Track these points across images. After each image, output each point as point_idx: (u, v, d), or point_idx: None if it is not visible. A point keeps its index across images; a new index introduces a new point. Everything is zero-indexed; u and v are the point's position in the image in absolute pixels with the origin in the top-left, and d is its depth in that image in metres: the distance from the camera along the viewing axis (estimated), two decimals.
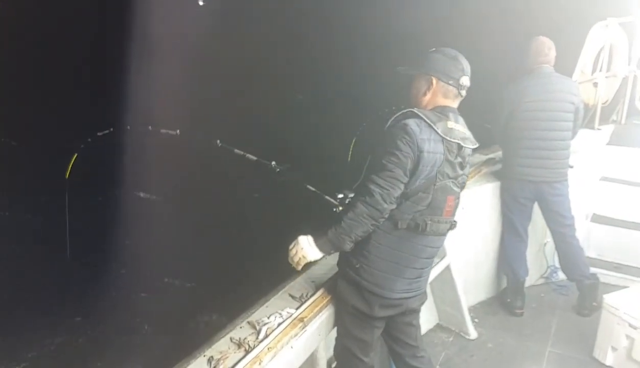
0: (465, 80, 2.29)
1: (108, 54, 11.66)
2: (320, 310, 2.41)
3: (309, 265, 2.39)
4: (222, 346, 2.10)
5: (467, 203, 3.65)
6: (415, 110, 2.24)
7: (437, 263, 3.40)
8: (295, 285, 2.57)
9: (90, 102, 10.12)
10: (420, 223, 2.24)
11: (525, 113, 3.71)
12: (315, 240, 2.28)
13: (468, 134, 2.34)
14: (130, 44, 11.10)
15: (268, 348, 2.09)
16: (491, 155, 4.38)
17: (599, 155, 4.73)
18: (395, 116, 2.25)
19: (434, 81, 2.29)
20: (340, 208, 2.48)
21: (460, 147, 2.28)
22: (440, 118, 2.23)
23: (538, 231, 4.23)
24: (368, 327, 2.40)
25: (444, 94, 2.30)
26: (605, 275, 4.26)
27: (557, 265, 4.16)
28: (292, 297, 2.48)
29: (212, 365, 1.99)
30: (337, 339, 2.51)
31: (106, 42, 11.86)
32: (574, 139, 3.88)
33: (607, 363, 3.39)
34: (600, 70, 4.93)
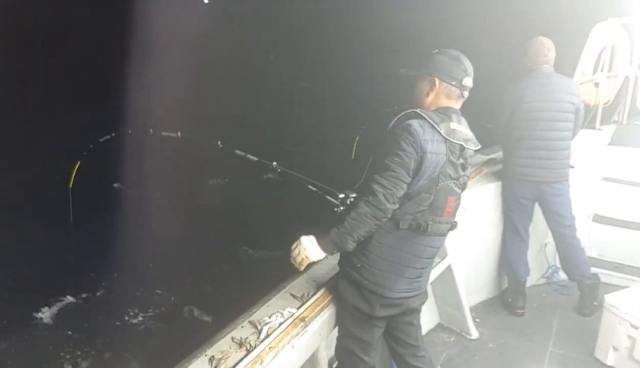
0: (468, 81, 2.30)
1: (108, 56, 11.68)
2: (321, 310, 2.41)
3: (310, 265, 2.39)
4: (223, 345, 2.11)
5: (469, 204, 3.66)
6: (418, 110, 2.25)
7: (438, 263, 3.40)
8: (297, 285, 2.57)
9: (91, 105, 10.13)
10: (422, 224, 2.24)
11: (525, 113, 3.71)
12: (318, 240, 2.28)
13: (470, 135, 2.34)
14: (130, 45, 11.11)
15: (269, 348, 2.10)
16: (492, 156, 4.38)
17: (601, 155, 4.73)
18: (398, 116, 2.26)
19: (437, 82, 2.29)
20: (342, 208, 2.48)
21: (462, 148, 2.28)
22: (443, 119, 2.24)
23: (539, 231, 4.22)
24: (369, 326, 2.41)
25: (446, 94, 2.30)
26: (606, 275, 4.27)
27: (558, 265, 4.16)
28: (294, 296, 2.48)
29: (214, 365, 2.00)
30: (338, 339, 2.51)
31: (107, 44, 11.89)
32: (574, 139, 3.88)
33: (609, 363, 3.39)
34: (602, 71, 4.93)
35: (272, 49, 12.59)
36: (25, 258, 6.12)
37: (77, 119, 9.90)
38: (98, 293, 5.59)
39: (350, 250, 2.27)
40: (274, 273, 2.67)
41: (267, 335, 2.17)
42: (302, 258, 2.30)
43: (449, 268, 3.54)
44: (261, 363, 2.03)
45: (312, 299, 2.45)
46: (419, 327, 2.61)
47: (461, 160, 2.30)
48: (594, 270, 4.01)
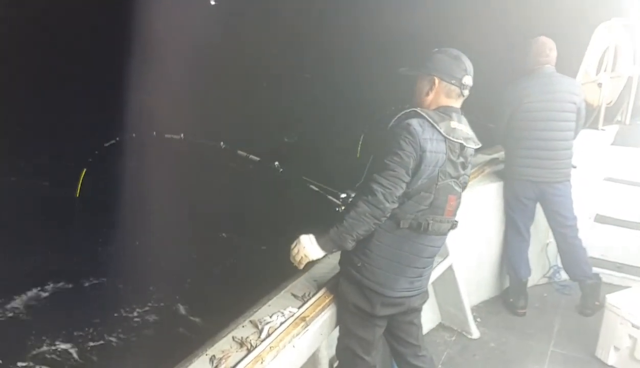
0: (468, 80, 2.30)
1: (109, 58, 11.69)
2: (322, 310, 2.42)
3: (310, 264, 2.40)
4: (224, 345, 2.11)
5: (471, 203, 3.66)
6: (418, 109, 2.25)
7: (440, 262, 3.40)
8: (298, 284, 2.58)
9: (94, 107, 10.13)
10: (422, 223, 2.25)
11: (527, 113, 3.71)
12: (317, 239, 2.29)
13: (471, 133, 2.35)
14: (132, 46, 11.12)
15: (270, 348, 2.11)
16: (495, 155, 4.38)
17: (603, 155, 4.72)
18: (398, 116, 2.26)
19: (437, 81, 2.29)
20: (343, 207, 2.49)
21: (462, 146, 2.28)
22: (443, 118, 2.24)
23: (540, 231, 4.22)
24: (370, 325, 2.42)
25: (446, 93, 2.30)
26: (608, 275, 4.26)
27: (560, 265, 4.16)
28: (295, 296, 2.49)
29: (214, 364, 2.01)
30: (339, 338, 2.52)
31: (107, 44, 11.89)
32: (576, 139, 3.88)
33: (610, 363, 3.39)
34: (605, 71, 4.92)
35: (274, 50, 12.60)
36: (26, 256, 6.16)
37: (80, 120, 9.93)
38: (98, 292, 5.60)
39: (349, 249, 2.27)
40: (274, 272, 2.68)
41: (268, 335, 2.17)
42: (302, 257, 2.30)
43: (450, 268, 3.54)
44: (262, 362, 2.03)
45: (313, 299, 2.45)
46: (419, 326, 2.61)
47: (461, 159, 2.30)
48: (595, 270, 4.01)
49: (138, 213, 7.01)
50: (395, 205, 2.21)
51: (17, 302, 5.29)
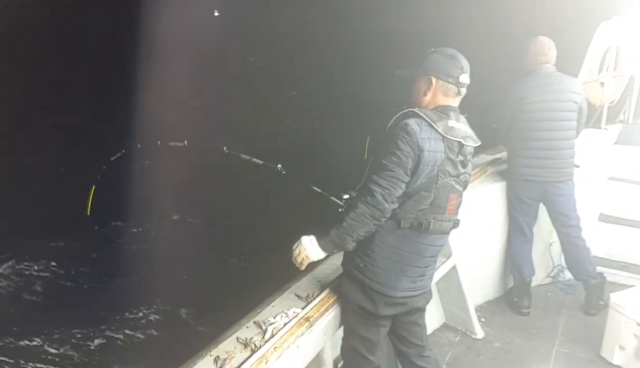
0: (465, 78, 2.31)
1: (115, 62, 11.70)
2: (326, 310, 2.43)
3: (312, 264, 2.40)
4: (228, 346, 2.12)
5: (474, 203, 3.66)
6: (415, 109, 2.27)
7: (443, 263, 3.40)
8: (301, 285, 2.59)
9: (98, 117, 10.13)
10: (424, 222, 2.25)
11: (528, 114, 3.71)
12: (318, 240, 2.31)
13: (470, 131, 2.35)
14: (133, 49, 11.13)
15: (274, 348, 2.11)
16: (497, 155, 4.38)
17: (606, 154, 4.71)
18: (396, 116, 2.27)
19: (434, 80, 2.31)
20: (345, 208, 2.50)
21: (461, 145, 2.29)
22: (441, 117, 2.26)
23: (544, 231, 4.22)
24: (373, 325, 2.42)
25: (444, 92, 2.32)
26: (612, 274, 4.24)
27: (564, 264, 4.15)
28: (298, 296, 2.49)
29: (219, 365, 2.01)
30: (343, 339, 2.53)
31: (109, 50, 11.91)
32: (578, 138, 3.87)
33: (615, 362, 3.38)
34: (607, 70, 4.91)
35: (276, 51, 12.62)
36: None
37: (83, 127, 9.95)
38: (103, 293, 5.62)
39: (350, 249, 2.29)
40: (278, 273, 2.69)
41: (272, 335, 2.18)
42: (303, 258, 2.32)
43: (454, 268, 3.54)
44: (266, 363, 2.04)
45: (317, 299, 2.46)
46: (423, 326, 2.61)
47: (460, 157, 2.31)
48: (599, 269, 4.00)
49: (143, 216, 7.03)
50: (395, 206, 2.21)
51: (22, 303, 5.32)
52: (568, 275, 4.21)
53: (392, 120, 2.27)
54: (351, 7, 12.08)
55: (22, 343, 4.68)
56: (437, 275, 3.09)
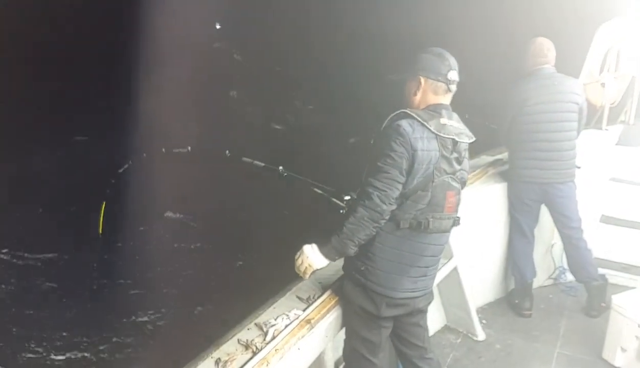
0: (453, 75, 2.32)
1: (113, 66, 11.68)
2: (327, 312, 2.42)
3: (315, 272, 2.41)
4: (229, 347, 2.12)
5: (475, 205, 3.66)
6: (407, 110, 2.29)
7: (445, 264, 3.40)
8: (303, 287, 2.58)
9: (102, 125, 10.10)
10: (422, 222, 2.26)
11: (529, 115, 3.71)
12: (320, 248, 2.32)
13: (462, 128, 2.37)
14: (133, 52, 11.11)
15: (275, 350, 2.11)
16: (498, 156, 4.38)
17: (608, 156, 4.71)
18: (389, 118, 2.30)
19: (422, 80, 2.33)
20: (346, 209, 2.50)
21: (455, 142, 2.30)
22: (433, 116, 2.27)
23: (545, 232, 4.21)
24: (375, 327, 2.42)
25: (434, 91, 2.33)
26: (614, 276, 4.24)
27: (566, 266, 4.14)
28: (300, 298, 2.49)
29: (220, 367, 2.01)
30: (345, 340, 2.52)
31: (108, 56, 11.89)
32: (579, 139, 3.87)
33: (617, 364, 3.37)
34: (608, 71, 4.91)
35: (277, 52, 12.62)
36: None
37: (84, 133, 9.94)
38: (104, 297, 5.62)
39: (352, 255, 2.29)
40: (279, 275, 2.69)
41: (273, 337, 2.18)
42: (306, 267, 2.34)
43: (455, 269, 3.53)
44: (267, 365, 2.04)
45: (318, 301, 2.46)
46: (425, 328, 2.61)
47: (455, 155, 2.32)
48: (601, 270, 3.99)
49: (146, 219, 7.04)
50: (393, 207, 2.22)
51: (28, 304, 5.33)
52: (570, 276, 4.20)
53: (384, 123, 2.30)
54: (351, 8, 12.09)
55: (23, 350, 4.68)
56: (438, 276, 3.08)
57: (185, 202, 7.26)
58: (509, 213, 4.01)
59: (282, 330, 2.22)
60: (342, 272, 2.52)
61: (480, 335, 3.70)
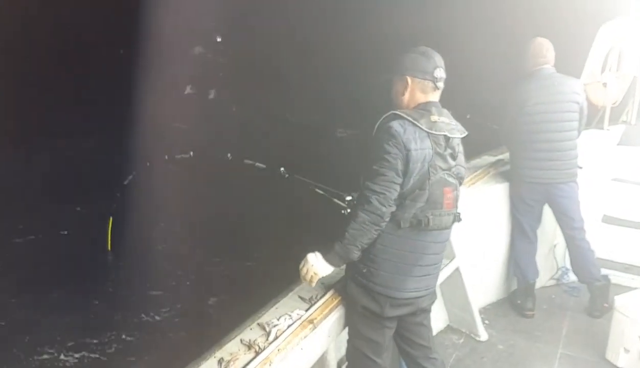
0: (439, 72, 2.33)
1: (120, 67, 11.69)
2: (330, 312, 2.42)
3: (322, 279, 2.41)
4: (232, 347, 2.12)
5: (477, 205, 3.66)
6: (397, 111, 2.30)
7: (447, 265, 3.39)
8: (305, 287, 2.57)
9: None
10: (422, 219, 2.26)
11: (530, 116, 3.71)
12: (324, 255, 2.32)
13: (454, 123, 2.37)
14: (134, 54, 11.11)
15: (278, 350, 2.11)
16: (500, 157, 4.38)
17: (609, 156, 4.71)
18: (379, 121, 2.31)
19: (409, 80, 2.34)
20: (349, 210, 2.50)
21: (447, 138, 2.31)
22: (423, 114, 2.28)
23: (548, 232, 4.21)
24: (379, 327, 2.41)
25: (421, 89, 2.34)
26: (616, 276, 4.23)
27: (568, 266, 4.14)
28: (302, 298, 2.49)
29: (222, 366, 2.00)
30: (348, 341, 2.52)
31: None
32: (580, 139, 3.86)
33: (620, 365, 3.36)
34: (610, 71, 4.90)
35: (278, 53, 12.63)
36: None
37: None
38: (106, 297, 5.62)
39: (356, 259, 2.30)
40: (282, 275, 2.69)
41: (276, 337, 2.17)
42: (312, 275, 2.34)
43: (457, 270, 3.53)
44: (270, 365, 2.04)
45: (321, 301, 2.45)
46: (429, 327, 2.61)
47: (449, 150, 2.32)
48: (603, 271, 3.99)
49: (151, 224, 7.06)
50: (393, 208, 2.23)
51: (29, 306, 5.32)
52: (572, 277, 4.19)
53: (376, 126, 2.31)
54: (350, 10, 12.11)
55: (35, 352, 4.67)
56: (441, 277, 3.08)
57: (188, 205, 7.27)
58: (511, 213, 4.01)
59: (285, 330, 2.22)
60: (344, 272, 2.53)
61: (483, 335, 3.70)
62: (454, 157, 2.35)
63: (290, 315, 2.32)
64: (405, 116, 2.26)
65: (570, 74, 3.89)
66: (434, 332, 3.39)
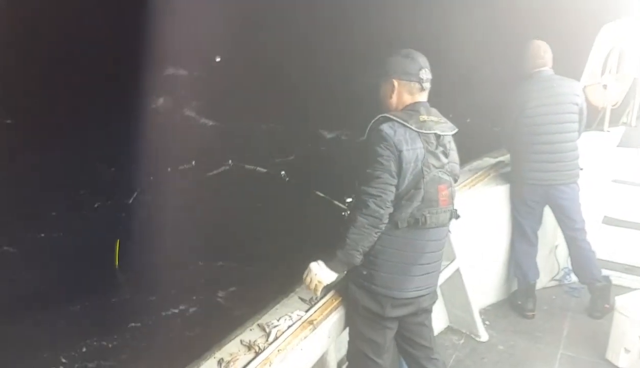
0: (424, 73, 2.37)
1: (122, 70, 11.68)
2: (330, 313, 2.43)
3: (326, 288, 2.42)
4: (232, 348, 2.13)
5: (477, 206, 3.67)
6: (386, 114, 2.32)
7: (447, 266, 3.40)
8: (305, 288, 2.59)
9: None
10: (420, 218, 2.28)
11: (530, 118, 3.71)
12: (327, 263, 2.33)
13: (443, 121, 2.40)
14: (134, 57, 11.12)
15: (278, 351, 2.12)
16: (500, 158, 4.39)
17: (610, 157, 4.71)
18: (369, 125, 2.33)
19: (395, 82, 2.38)
20: (349, 212, 2.51)
21: (437, 136, 2.33)
22: (412, 115, 2.31)
23: (548, 234, 4.21)
24: (380, 327, 2.42)
25: (408, 91, 2.38)
26: (617, 277, 4.23)
27: (570, 267, 4.14)
28: (302, 299, 2.50)
29: (222, 367, 2.02)
30: (349, 342, 2.53)
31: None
32: (580, 140, 3.87)
33: (620, 365, 3.36)
34: (610, 72, 4.91)
35: (279, 55, 12.66)
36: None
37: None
38: (108, 298, 5.64)
39: (358, 263, 2.32)
40: (282, 276, 2.70)
41: (276, 338, 2.19)
42: (316, 284, 2.35)
43: (457, 271, 3.54)
44: (270, 365, 2.05)
45: (321, 302, 2.47)
46: (430, 328, 2.61)
47: (440, 148, 2.35)
48: (604, 272, 3.99)
49: (151, 224, 7.08)
50: (391, 210, 2.25)
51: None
52: (573, 278, 4.19)
53: (367, 130, 2.34)
54: (351, 12, 12.14)
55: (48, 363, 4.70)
56: (441, 278, 3.09)
57: (191, 208, 7.30)
58: (512, 215, 4.01)
59: (285, 331, 2.23)
60: (345, 274, 2.53)
61: (483, 336, 3.70)
62: (446, 155, 2.38)
63: (290, 316, 2.33)
64: (395, 118, 2.29)
65: (571, 76, 3.90)
66: (434, 333, 3.40)
